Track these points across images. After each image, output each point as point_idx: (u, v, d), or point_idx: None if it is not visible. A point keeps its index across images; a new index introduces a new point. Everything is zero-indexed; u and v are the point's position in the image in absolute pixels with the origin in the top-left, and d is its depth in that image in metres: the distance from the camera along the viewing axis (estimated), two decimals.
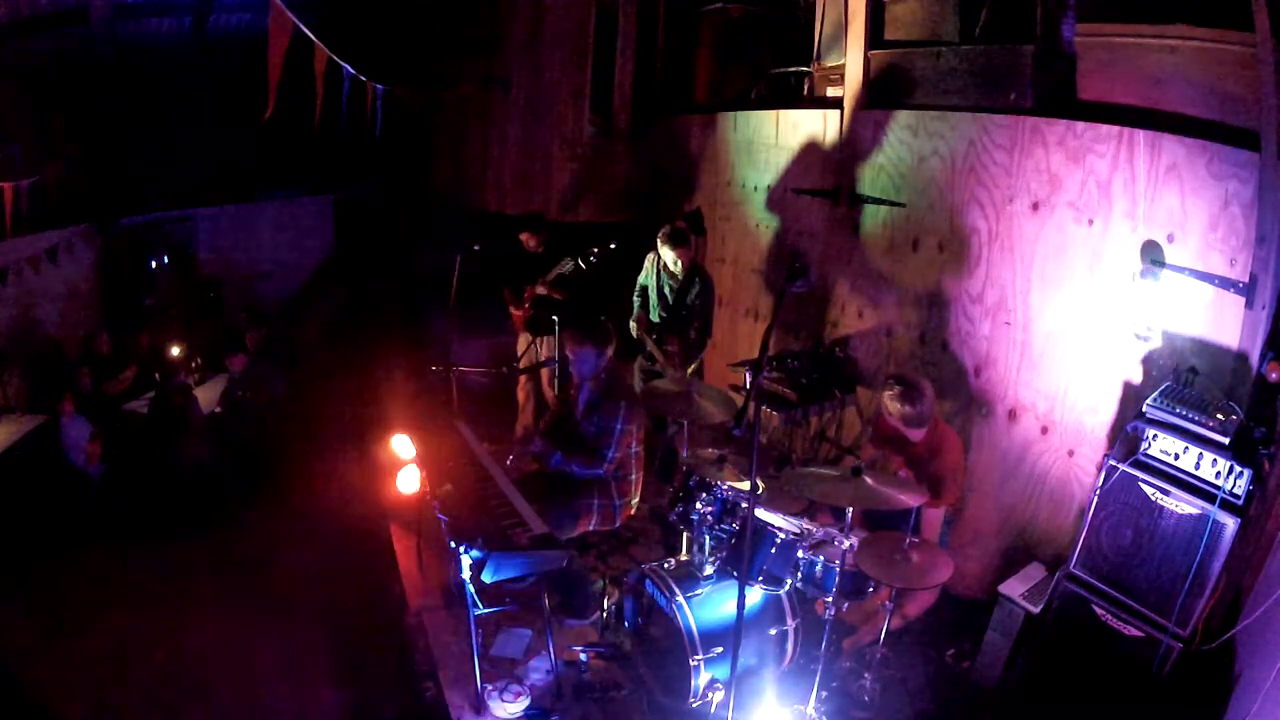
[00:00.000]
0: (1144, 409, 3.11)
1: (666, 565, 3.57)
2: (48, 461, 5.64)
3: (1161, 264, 3.35)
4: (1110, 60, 3.77)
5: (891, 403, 3.60)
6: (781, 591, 3.34)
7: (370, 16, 7.88)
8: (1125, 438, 3.22)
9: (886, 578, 3.01)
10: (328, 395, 7.25)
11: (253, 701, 3.72)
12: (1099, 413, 3.69)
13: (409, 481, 4.29)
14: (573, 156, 6.97)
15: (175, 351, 7.16)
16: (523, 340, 5.78)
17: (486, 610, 3.36)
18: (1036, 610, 3.39)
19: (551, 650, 3.58)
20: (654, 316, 5.39)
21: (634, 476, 3.96)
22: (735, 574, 3.05)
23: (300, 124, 6.23)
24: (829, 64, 5.46)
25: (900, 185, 4.60)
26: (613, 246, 5.41)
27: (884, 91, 4.77)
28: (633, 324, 5.40)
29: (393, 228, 9.17)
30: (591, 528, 3.89)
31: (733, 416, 3.55)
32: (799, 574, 3.23)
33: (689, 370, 5.28)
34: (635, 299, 5.52)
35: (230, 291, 8.62)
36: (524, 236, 5.65)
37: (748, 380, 4.66)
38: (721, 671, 3.18)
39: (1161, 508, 2.99)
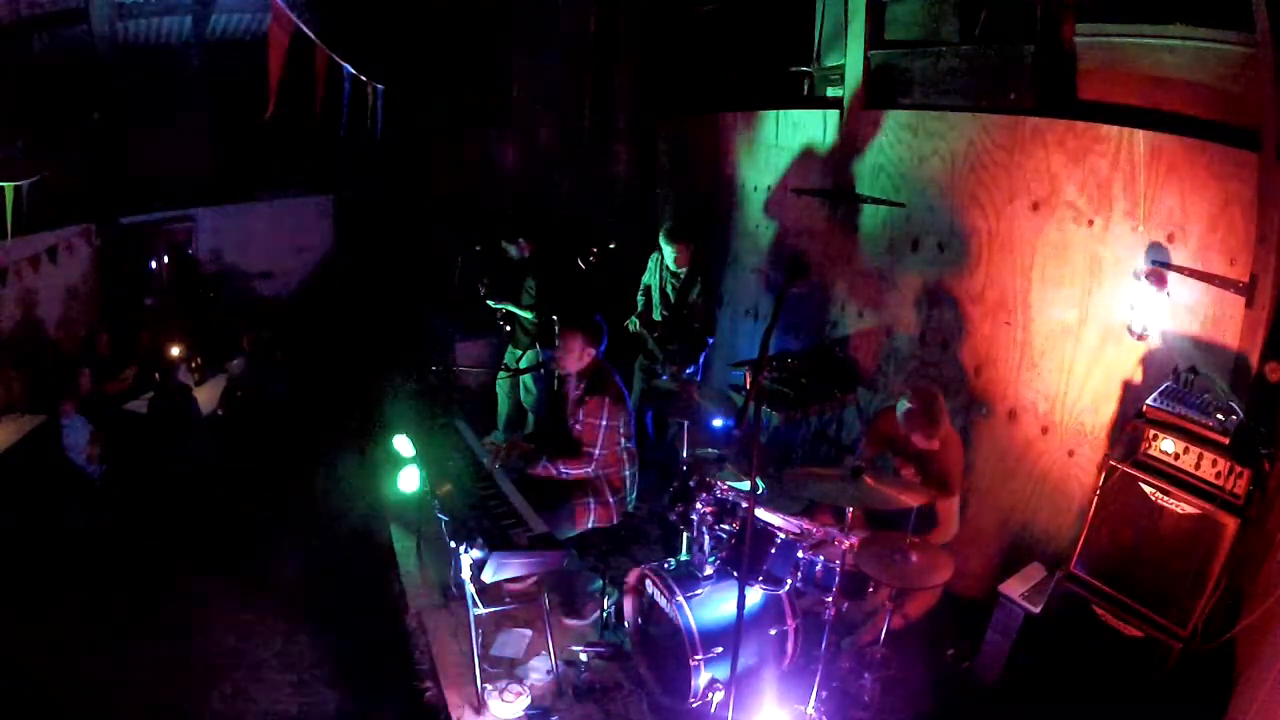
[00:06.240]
0: (1144, 409, 3.11)
1: (666, 565, 3.57)
2: (48, 461, 5.64)
3: (1161, 264, 3.36)
4: (1110, 60, 3.77)
5: (912, 419, 3.51)
6: (781, 591, 3.34)
7: (370, 16, 7.87)
8: (1125, 438, 3.22)
9: (886, 578, 3.01)
10: (328, 395, 7.25)
11: (253, 701, 3.72)
12: (1099, 413, 3.69)
13: (409, 481, 4.28)
14: (573, 156, 6.97)
15: (175, 351, 7.16)
16: None
17: (486, 610, 3.36)
18: (1036, 610, 3.39)
19: (551, 650, 3.58)
20: (656, 315, 5.40)
21: (627, 472, 3.96)
22: (735, 574, 3.05)
23: (300, 124, 6.24)
24: (829, 64, 5.46)
25: (900, 185, 4.60)
26: (611, 247, 5.41)
27: (884, 91, 4.77)
28: (634, 321, 5.41)
29: (393, 227, 9.16)
30: (590, 525, 3.89)
31: (733, 416, 3.57)
32: (799, 574, 3.23)
33: (691, 370, 5.28)
34: (639, 298, 5.54)
35: (230, 291, 8.62)
36: (505, 244, 5.63)
37: (748, 380, 4.66)
38: (721, 671, 3.18)
39: (1161, 508, 2.99)
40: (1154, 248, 3.40)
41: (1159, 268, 3.33)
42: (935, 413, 3.49)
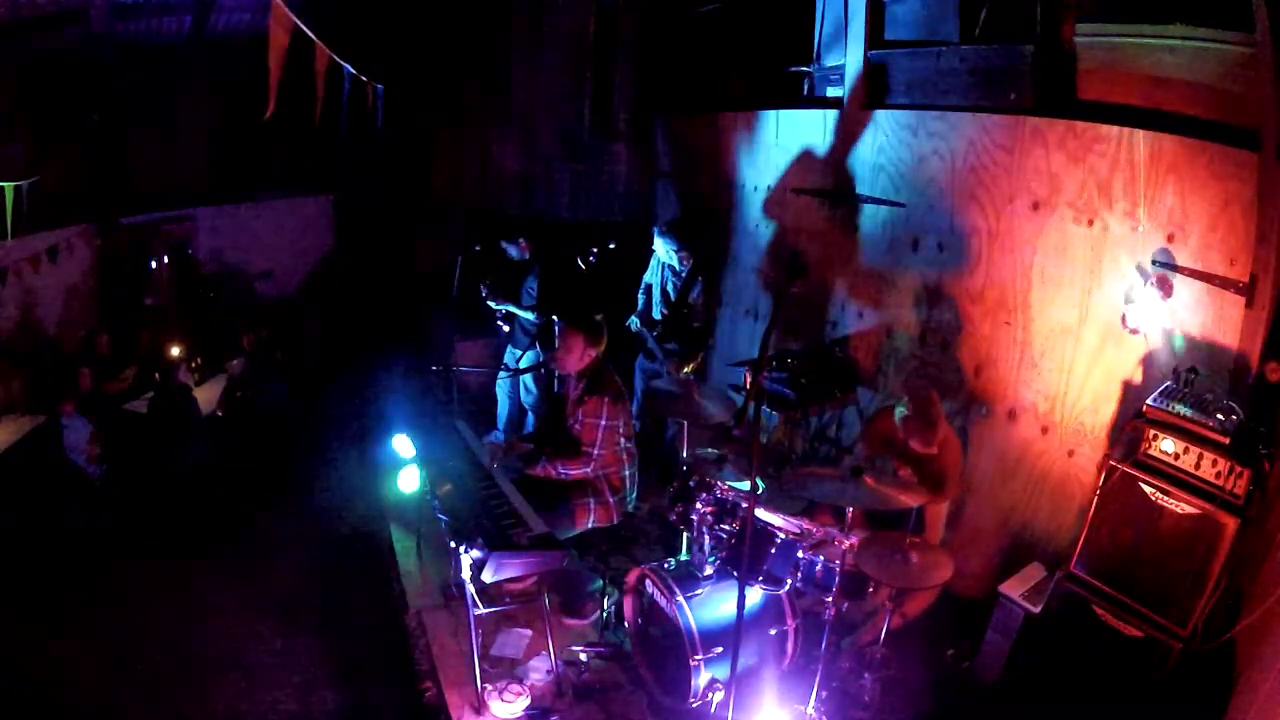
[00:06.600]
0: (1144, 409, 3.11)
1: (666, 565, 3.57)
2: (48, 461, 5.64)
3: (1162, 264, 3.36)
4: (1110, 60, 3.77)
5: (909, 424, 3.52)
6: (781, 591, 3.34)
7: (370, 16, 7.89)
8: (1125, 438, 3.21)
9: (886, 578, 3.01)
10: (328, 395, 7.25)
11: (253, 701, 3.72)
12: (1099, 413, 3.69)
13: (409, 481, 4.29)
14: (572, 156, 6.97)
15: (175, 351, 7.17)
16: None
17: (486, 610, 3.36)
18: (1036, 610, 3.39)
19: (551, 650, 3.58)
20: (656, 314, 5.41)
21: (627, 472, 3.96)
22: (735, 574, 3.05)
23: (300, 124, 6.23)
24: (829, 64, 5.46)
25: (900, 185, 4.60)
26: (611, 247, 5.42)
27: (884, 91, 4.77)
28: (634, 320, 5.41)
29: (393, 228, 9.18)
30: (590, 525, 3.89)
31: (733, 416, 3.57)
32: (799, 574, 3.23)
33: (688, 369, 5.29)
34: (640, 296, 5.55)
35: (230, 291, 8.63)
36: (505, 244, 5.65)
37: (748, 380, 4.66)
38: (721, 671, 3.18)
39: (1162, 508, 2.99)
40: (1154, 248, 3.40)
41: (1165, 274, 3.32)
42: (932, 417, 3.49)
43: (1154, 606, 3.02)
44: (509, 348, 5.75)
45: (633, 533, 4.67)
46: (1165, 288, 3.33)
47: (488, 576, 3.14)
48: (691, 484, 3.53)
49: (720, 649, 3.20)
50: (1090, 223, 3.65)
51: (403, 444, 4.33)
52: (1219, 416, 2.92)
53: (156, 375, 6.77)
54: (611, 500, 3.91)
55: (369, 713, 3.70)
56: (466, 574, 3.19)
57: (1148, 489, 3.03)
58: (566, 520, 3.80)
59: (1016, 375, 4.05)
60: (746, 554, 2.75)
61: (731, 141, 6.00)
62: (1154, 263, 3.38)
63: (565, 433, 3.94)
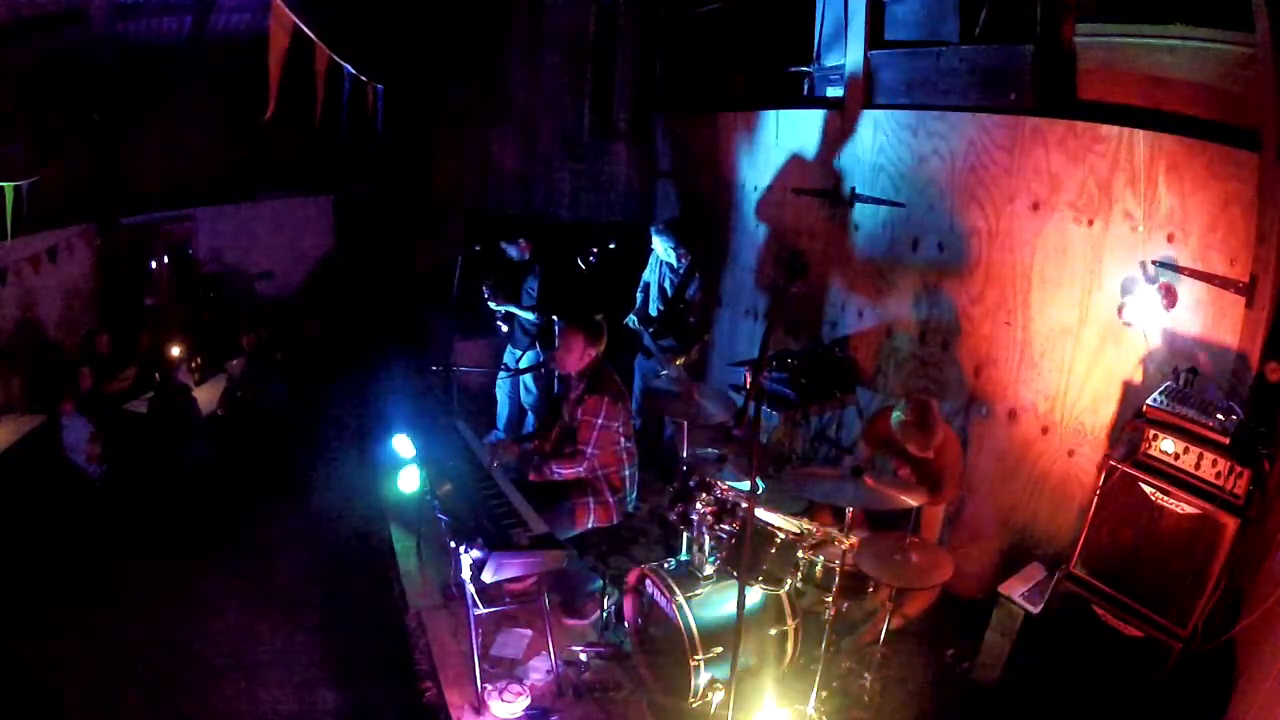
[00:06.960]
0: (1144, 409, 3.12)
1: (666, 565, 3.57)
2: (48, 461, 5.64)
3: (1163, 266, 3.35)
4: (1110, 60, 3.77)
5: (906, 430, 3.53)
6: (781, 591, 3.34)
7: (370, 16, 7.88)
8: (1125, 438, 3.22)
9: (886, 578, 3.01)
10: (328, 395, 7.25)
11: (253, 701, 3.72)
12: (1099, 413, 3.69)
13: (409, 481, 4.29)
14: (572, 156, 6.97)
15: (175, 351, 7.17)
16: None
17: (486, 610, 3.36)
18: (1036, 610, 3.39)
19: (551, 650, 3.58)
20: (653, 310, 5.43)
21: (627, 472, 3.95)
22: (735, 574, 3.05)
23: (300, 124, 6.24)
24: (829, 64, 5.46)
25: (900, 185, 4.60)
26: (611, 247, 5.42)
27: (884, 91, 4.77)
28: (632, 317, 5.42)
29: (393, 228, 9.18)
30: (590, 525, 3.89)
31: (733, 416, 3.57)
32: (799, 574, 3.23)
33: (680, 361, 5.30)
34: (639, 294, 5.55)
35: (230, 291, 8.63)
36: (505, 244, 5.65)
37: (748, 380, 4.67)
38: (721, 671, 3.18)
39: (1162, 508, 2.99)
40: (1154, 248, 3.40)
41: (1170, 283, 3.31)
42: (929, 424, 3.50)
43: (1154, 606, 3.02)
44: (509, 348, 5.75)
45: (633, 533, 4.67)
46: (1170, 296, 3.31)
47: (488, 576, 3.14)
48: (691, 484, 3.54)
49: (720, 649, 3.20)
50: (1090, 223, 3.65)
51: (403, 444, 4.33)
52: (1219, 416, 2.93)
53: (156, 375, 6.77)
54: (611, 500, 3.91)
55: (369, 713, 3.70)
56: (466, 574, 3.20)
57: (1148, 489, 3.03)
58: (566, 520, 3.80)
59: (1016, 375, 4.05)
60: (746, 554, 2.75)
61: (731, 141, 5.99)
62: (1155, 264, 3.38)
63: (565, 433, 3.94)
